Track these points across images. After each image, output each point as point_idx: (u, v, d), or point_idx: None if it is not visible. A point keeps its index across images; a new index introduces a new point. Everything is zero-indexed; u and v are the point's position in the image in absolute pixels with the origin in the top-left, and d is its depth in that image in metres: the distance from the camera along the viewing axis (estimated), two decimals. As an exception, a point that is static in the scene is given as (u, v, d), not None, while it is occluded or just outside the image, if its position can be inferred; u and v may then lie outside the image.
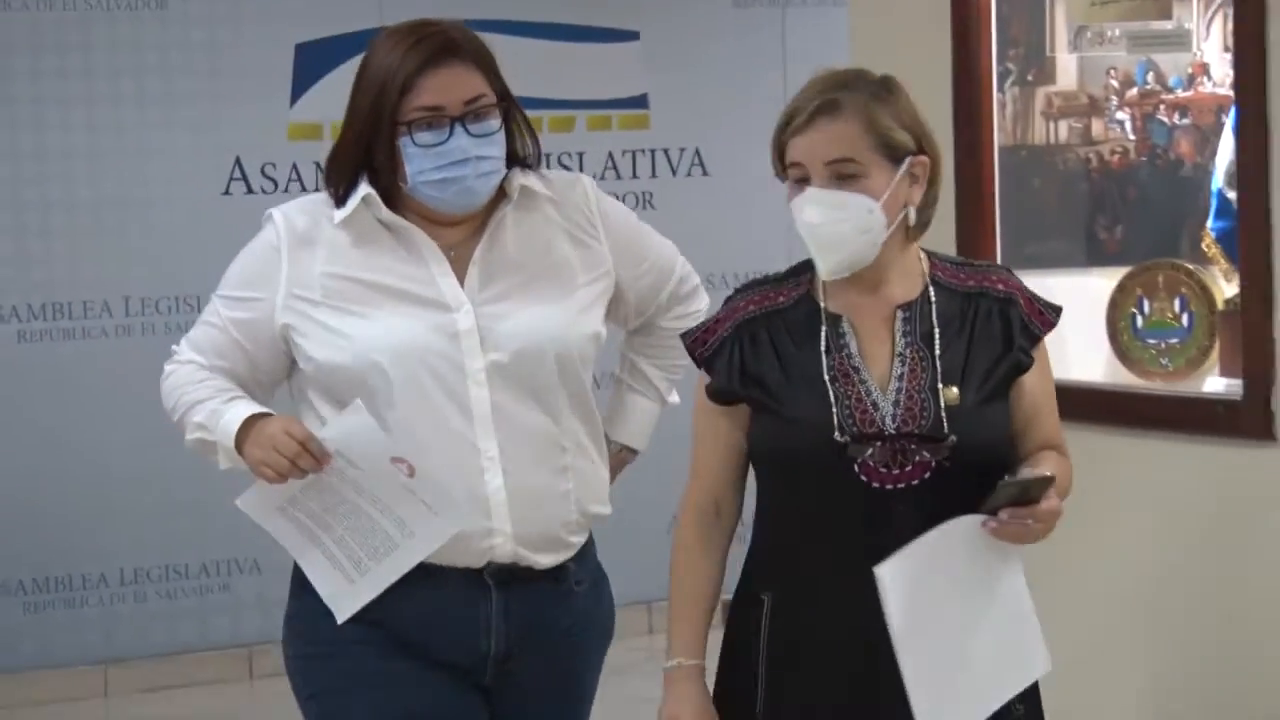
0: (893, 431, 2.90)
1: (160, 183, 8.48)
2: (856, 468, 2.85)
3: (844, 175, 2.92)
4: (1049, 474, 2.80)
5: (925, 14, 5.60)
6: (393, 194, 3.11)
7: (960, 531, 2.79)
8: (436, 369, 3.07)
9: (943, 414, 2.92)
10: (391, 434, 3.18)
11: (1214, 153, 5.17)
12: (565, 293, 3.19)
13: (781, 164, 3.00)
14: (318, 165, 7.68)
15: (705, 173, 9.89)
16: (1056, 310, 3.14)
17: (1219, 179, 5.17)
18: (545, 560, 3.16)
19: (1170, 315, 5.36)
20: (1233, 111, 4.84)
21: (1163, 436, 4.97)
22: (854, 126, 2.90)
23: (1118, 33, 5.42)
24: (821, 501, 2.88)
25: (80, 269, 8.33)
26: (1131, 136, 5.55)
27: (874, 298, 3.01)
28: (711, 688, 3.24)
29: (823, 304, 3.05)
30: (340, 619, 3.14)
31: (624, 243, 3.39)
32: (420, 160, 3.03)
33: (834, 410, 2.91)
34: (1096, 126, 5.61)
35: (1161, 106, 5.46)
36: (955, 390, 2.95)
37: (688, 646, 2.95)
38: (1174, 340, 5.40)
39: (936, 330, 3.01)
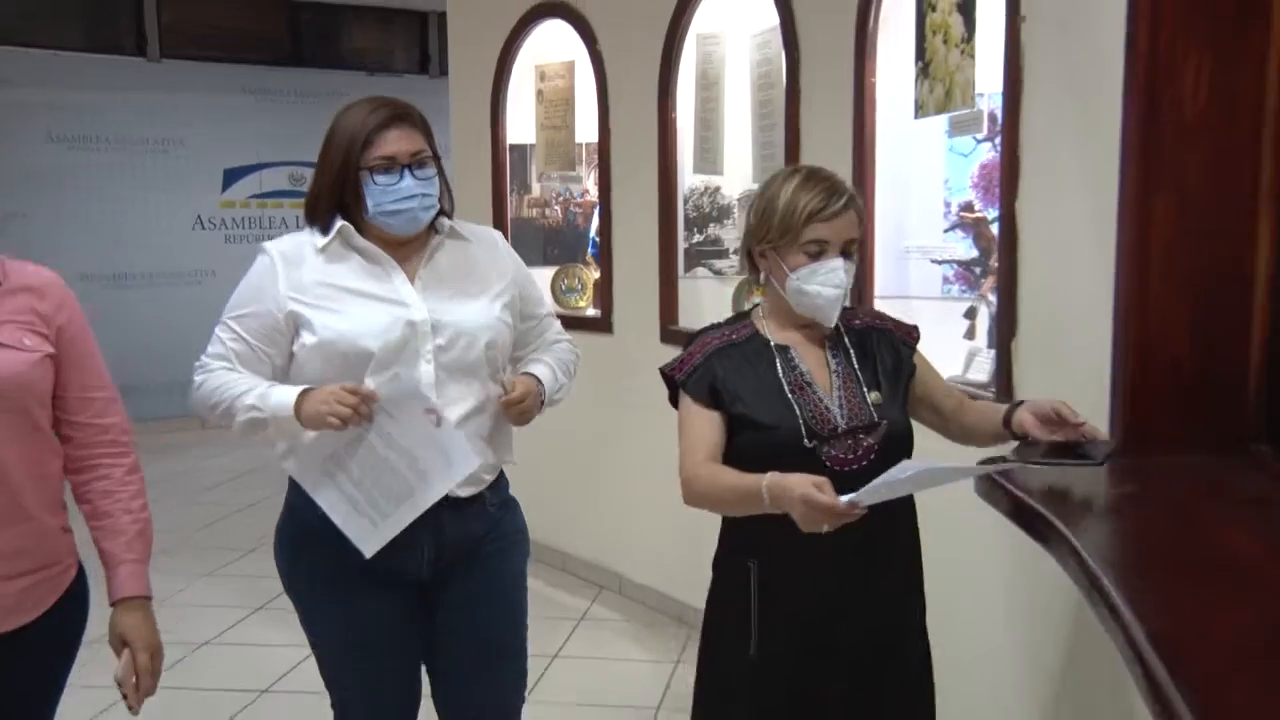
0: (844, 427, 2.30)
1: (166, 223, 8.79)
2: (824, 458, 2.25)
3: (849, 252, 2.32)
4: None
5: (477, 166, 5.56)
6: (357, 224, 2.45)
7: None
8: (400, 349, 2.40)
9: (873, 410, 2.32)
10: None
11: (589, 223, 5.50)
12: (485, 296, 2.53)
13: (786, 238, 2.29)
14: (232, 219, 9.05)
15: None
16: (915, 327, 2.52)
17: (593, 232, 5.41)
18: (465, 492, 2.46)
19: (576, 284, 5.47)
20: (597, 209, 5.28)
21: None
22: (856, 216, 2.31)
23: (555, 175, 5.60)
24: None
25: (133, 255, 8.85)
26: (560, 215, 5.67)
27: (809, 334, 2.39)
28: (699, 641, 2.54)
29: (771, 339, 2.38)
30: (367, 554, 2.39)
31: (521, 274, 2.66)
32: (379, 195, 2.39)
33: (800, 418, 2.28)
34: (548, 211, 5.65)
35: (572, 204, 5.63)
36: (877, 394, 2.35)
37: (755, 479, 2.12)
38: (575, 294, 5.46)
39: (853, 354, 2.39)
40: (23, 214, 8.21)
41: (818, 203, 2.27)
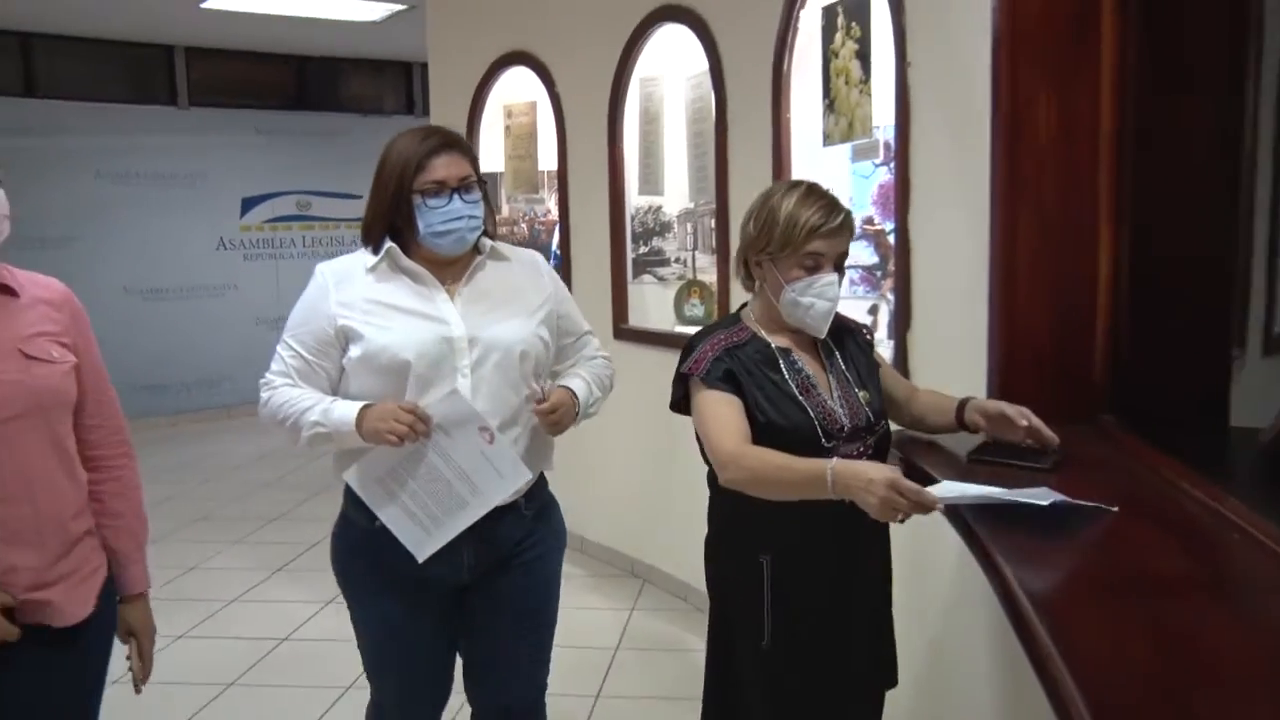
0: (848, 427, 2.07)
1: (193, 244, 8.87)
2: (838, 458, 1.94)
3: (840, 266, 2.09)
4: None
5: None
6: (408, 244, 2.25)
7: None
8: (439, 363, 2.20)
9: (866, 409, 2.11)
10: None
11: (552, 238, 5.37)
12: (523, 312, 2.29)
13: (786, 250, 2.05)
14: (249, 240, 9.09)
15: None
16: (868, 326, 2.33)
17: (554, 246, 5.29)
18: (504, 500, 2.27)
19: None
20: (558, 226, 5.25)
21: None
22: (849, 233, 2.09)
23: (521, 198, 5.55)
24: None
25: (166, 272, 8.93)
26: (526, 232, 5.60)
27: (800, 338, 2.13)
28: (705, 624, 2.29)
29: (772, 343, 2.12)
30: (420, 559, 2.24)
31: (560, 293, 2.41)
32: (429, 217, 2.18)
33: (814, 420, 2.04)
34: (515, 229, 5.56)
35: (537, 223, 5.57)
36: (866, 392, 2.14)
37: (820, 463, 1.84)
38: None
39: (838, 354, 2.17)
40: (74, 238, 8.31)
41: (819, 218, 2.04)
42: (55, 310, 1.95)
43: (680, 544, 4.39)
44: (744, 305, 2.25)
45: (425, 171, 2.20)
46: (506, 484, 2.23)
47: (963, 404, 2.16)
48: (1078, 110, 2.26)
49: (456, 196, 2.21)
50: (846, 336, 2.23)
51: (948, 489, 1.78)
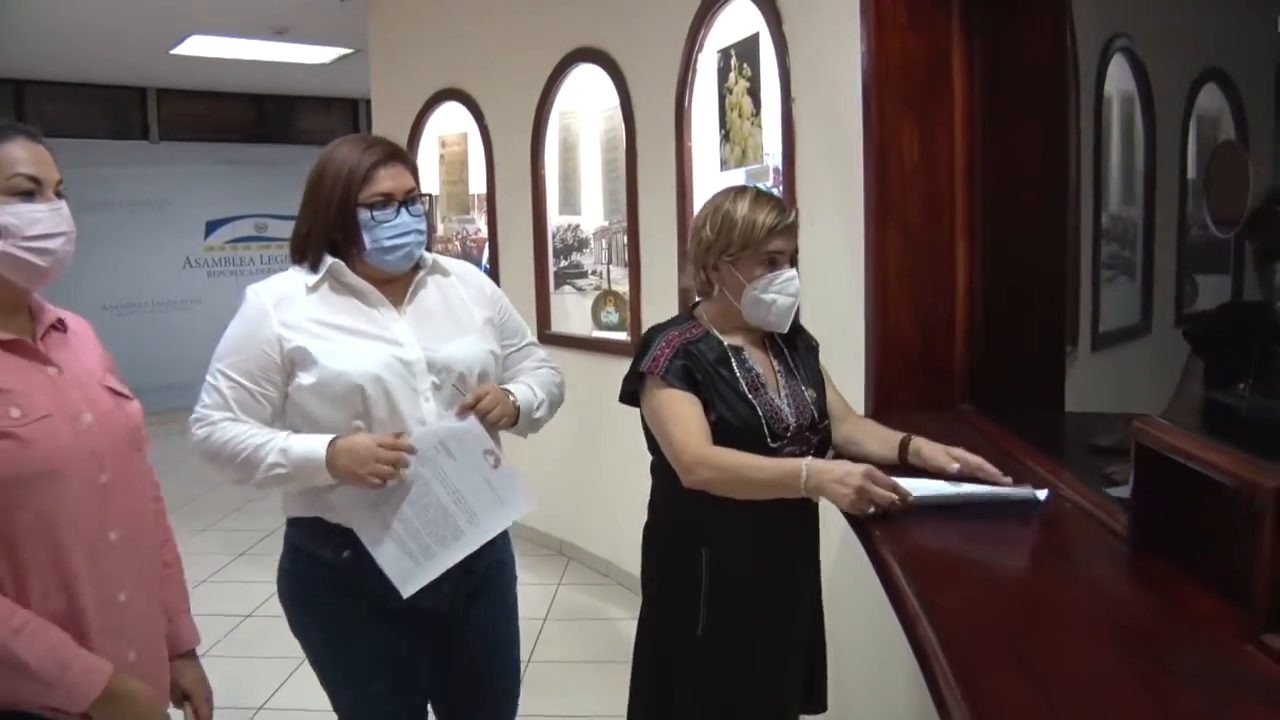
0: (794, 425, 1.91)
1: (162, 263, 8.79)
2: (784, 456, 1.86)
3: (794, 261, 1.94)
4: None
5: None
6: (349, 261, 1.89)
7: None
8: (397, 388, 1.83)
9: (812, 408, 1.96)
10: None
11: (483, 254, 5.21)
12: (471, 329, 1.94)
13: (746, 250, 1.89)
14: (212, 259, 9.00)
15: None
16: (813, 339, 2.14)
17: (484, 261, 5.10)
18: None
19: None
20: (488, 244, 5.17)
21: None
22: (797, 230, 1.94)
23: (454, 218, 5.40)
24: None
25: (138, 288, 8.77)
26: (459, 249, 5.37)
27: (752, 336, 1.96)
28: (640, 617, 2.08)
29: (725, 340, 1.94)
30: (405, 594, 1.84)
31: (500, 300, 2.04)
32: (376, 231, 1.83)
33: (762, 419, 1.88)
34: (449, 247, 5.39)
35: (469, 240, 5.38)
36: (813, 391, 1.98)
37: (794, 461, 1.76)
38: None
39: (786, 353, 2.01)
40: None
41: (774, 218, 1.90)
42: (93, 345, 1.66)
43: (602, 526, 4.45)
44: (695, 305, 2.06)
45: (371, 183, 1.86)
46: (508, 511, 1.94)
47: (905, 441, 1.94)
48: (936, 142, 2.31)
49: (404, 210, 1.88)
50: (795, 337, 2.07)
51: (916, 486, 1.67)
